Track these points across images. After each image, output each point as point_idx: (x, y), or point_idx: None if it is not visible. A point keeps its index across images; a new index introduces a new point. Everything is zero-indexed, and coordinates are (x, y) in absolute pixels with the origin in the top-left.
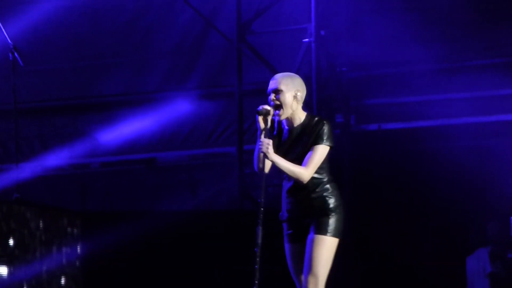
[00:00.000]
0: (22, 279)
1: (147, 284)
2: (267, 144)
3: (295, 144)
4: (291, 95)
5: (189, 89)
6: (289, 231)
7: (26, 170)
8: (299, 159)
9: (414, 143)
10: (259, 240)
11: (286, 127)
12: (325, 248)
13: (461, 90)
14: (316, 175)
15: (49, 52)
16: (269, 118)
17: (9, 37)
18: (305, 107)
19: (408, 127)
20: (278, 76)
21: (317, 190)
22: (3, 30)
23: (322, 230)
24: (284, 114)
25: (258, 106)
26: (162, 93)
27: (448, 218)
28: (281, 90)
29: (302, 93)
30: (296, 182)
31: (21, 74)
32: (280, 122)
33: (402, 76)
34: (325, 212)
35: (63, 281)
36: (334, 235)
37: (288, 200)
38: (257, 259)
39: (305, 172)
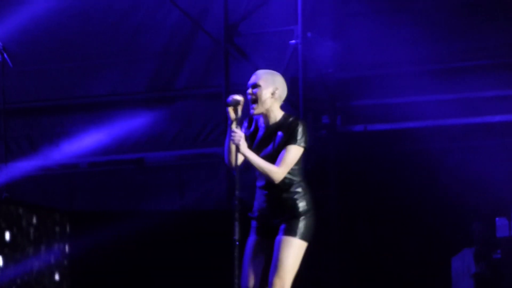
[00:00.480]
0: (11, 277)
1: (135, 284)
2: (240, 136)
3: (267, 142)
4: (269, 91)
5: (177, 90)
6: (257, 225)
7: (15, 169)
8: (270, 157)
9: (400, 144)
10: (237, 236)
11: (263, 125)
12: (292, 250)
13: (446, 91)
14: (288, 175)
15: (38, 53)
16: (239, 108)
17: None
18: (291, 107)
19: (394, 128)
20: (260, 71)
21: (288, 190)
22: None
23: (291, 232)
24: (258, 109)
25: (245, 107)
26: (150, 94)
27: (433, 218)
28: (259, 85)
29: (281, 92)
30: (268, 181)
31: (10, 74)
32: (257, 120)
33: (388, 77)
34: (295, 214)
35: (51, 280)
36: (303, 238)
37: (260, 198)
38: (235, 256)
39: (277, 171)
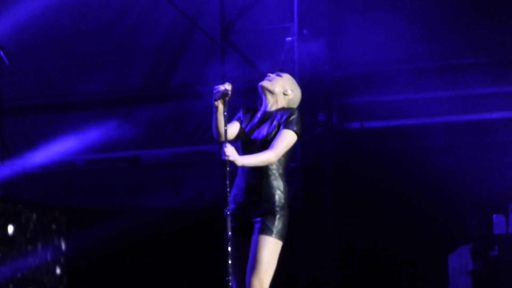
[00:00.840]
0: (7, 276)
1: (131, 281)
2: (232, 152)
3: (263, 125)
4: (284, 86)
5: (173, 88)
6: (233, 224)
7: (11, 167)
8: (264, 140)
9: (396, 141)
10: (229, 233)
11: (262, 109)
12: (269, 249)
13: (443, 89)
14: (273, 164)
15: (34, 51)
16: (226, 99)
17: None
18: None
19: (391, 126)
20: (288, 74)
21: (269, 177)
22: None
23: (267, 231)
24: (266, 84)
25: (241, 105)
26: (146, 92)
27: (430, 215)
28: (281, 76)
29: (292, 97)
30: (251, 166)
31: (6, 72)
32: (256, 109)
33: (384, 74)
34: (271, 209)
35: (47, 277)
36: (279, 237)
37: (240, 184)
38: (228, 254)
39: (271, 154)
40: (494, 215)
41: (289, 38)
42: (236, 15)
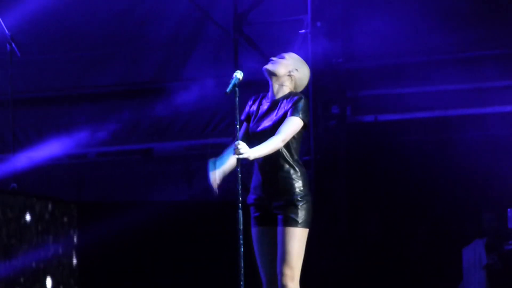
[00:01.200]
0: (18, 269)
1: (143, 274)
2: (245, 149)
3: (271, 114)
4: (288, 67)
5: (185, 80)
6: (256, 214)
7: (23, 160)
8: (271, 129)
9: (410, 134)
10: (241, 226)
11: (269, 99)
12: (297, 240)
13: (458, 81)
14: (285, 152)
15: (46, 43)
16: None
17: (6, 28)
18: None
19: (405, 119)
20: (292, 53)
21: (283, 169)
22: (1, 20)
23: (292, 222)
24: (270, 67)
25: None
26: (158, 84)
27: (444, 209)
28: (285, 57)
29: (298, 76)
30: (265, 158)
31: (18, 64)
32: (262, 97)
33: (398, 67)
34: (292, 200)
35: (59, 269)
36: (304, 226)
37: (257, 177)
38: (241, 246)
39: (278, 138)
40: (509, 209)
41: (303, 31)
42: (249, 6)
